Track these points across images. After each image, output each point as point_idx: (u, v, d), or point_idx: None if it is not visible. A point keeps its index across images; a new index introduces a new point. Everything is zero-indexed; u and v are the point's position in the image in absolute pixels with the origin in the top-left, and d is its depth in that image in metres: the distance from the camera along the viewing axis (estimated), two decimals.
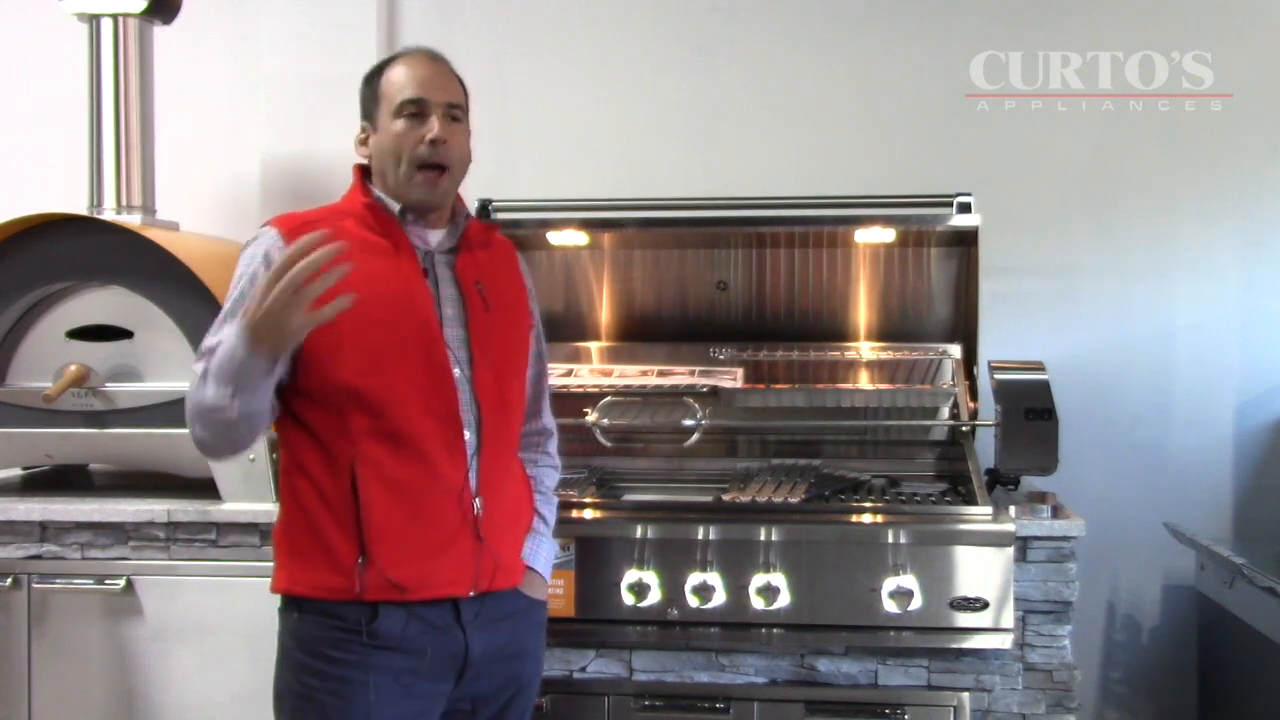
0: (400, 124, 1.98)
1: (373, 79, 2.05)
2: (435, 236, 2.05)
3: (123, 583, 2.77)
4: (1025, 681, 2.61)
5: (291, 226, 1.95)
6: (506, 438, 2.08)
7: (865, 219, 3.04)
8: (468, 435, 1.97)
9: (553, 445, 2.27)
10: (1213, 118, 3.39)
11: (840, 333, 3.22)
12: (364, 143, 2.06)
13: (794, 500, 2.72)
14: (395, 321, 1.93)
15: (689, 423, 2.95)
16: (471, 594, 1.95)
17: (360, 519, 1.88)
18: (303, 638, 1.93)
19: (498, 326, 2.06)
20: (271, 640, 1.98)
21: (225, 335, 1.80)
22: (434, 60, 2.04)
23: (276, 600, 1.98)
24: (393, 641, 1.90)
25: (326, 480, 1.91)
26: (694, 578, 2.57)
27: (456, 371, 1.97)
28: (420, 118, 1.98)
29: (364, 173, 2.07)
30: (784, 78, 3.52)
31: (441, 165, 1.99)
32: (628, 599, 2.59)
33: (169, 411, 2.81)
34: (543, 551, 2.13)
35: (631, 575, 2.59)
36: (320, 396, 1.91)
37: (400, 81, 2.00)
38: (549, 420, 2.27)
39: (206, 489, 2.82)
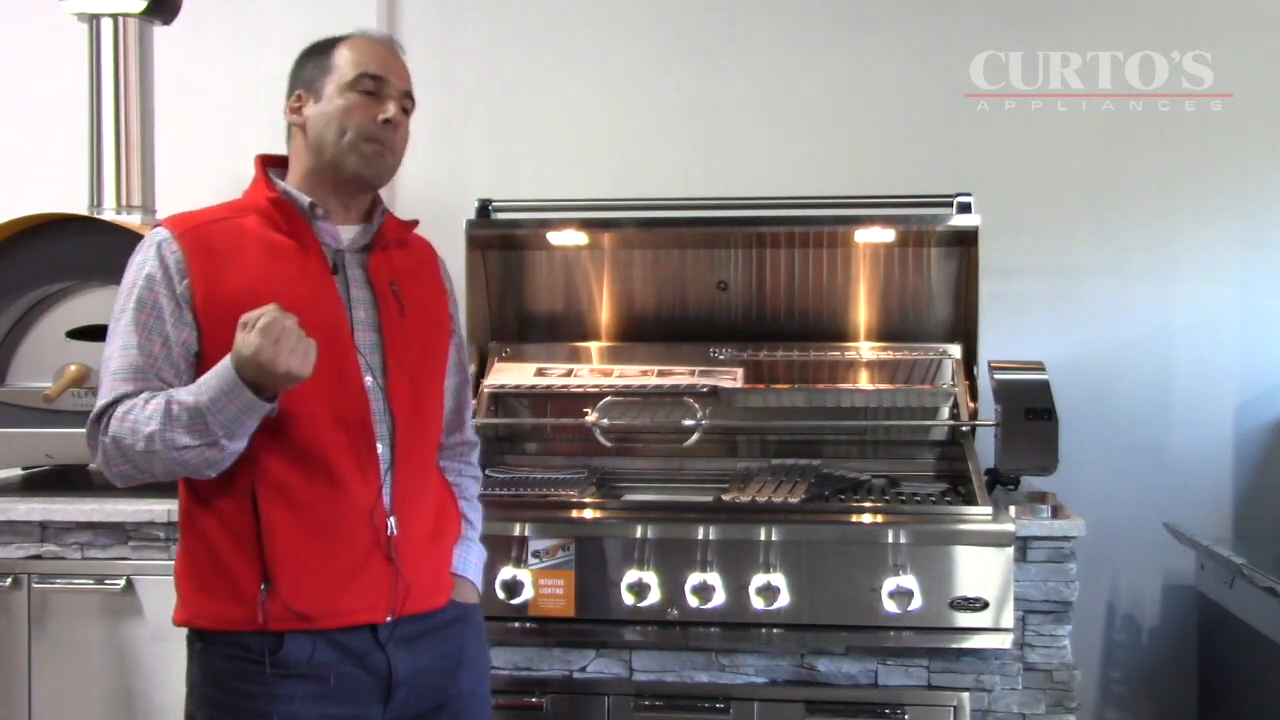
0: (353, 97, 1.86)
1: (323, 51, 1.92)
2: (347, 234, 1.91)
3: (123, 583, 2.77)
4: (1025, 681, 2.61)
5: (185, 227, 1.83)
6: (423, 450, 1.95)
7: (865, 219, 3.04)
8: (380, 449, 1.84)
9: (475, 456, 2.16)
10: (1213, 118, 3.39)
11: (840, 333, 3.22)
12: (297, 110, 1.90)
13: (794, 500, 2.72)
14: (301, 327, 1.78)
15: (689, 423, 2.95)
16: (389, 619, 1.84)
17: (262, 544, 1.76)
18: (208, 671, 1.82)
19: (415, 330, 1.93)
20: None
21: (203, 387, 1.70)
22: (396, 47, 1.96)
23: None
24: (300, 669, 1.78)
25: (225, 503, 1.79)
26: (694, 578, 2.57)
27: (369, 379, 1.85)
28: (377, 97, 1.87)
29: (265, 164, 1.94)
30: (784, 78, 3.52)
31: (387, 146, 1.88)
32: (628, 599, 2.59)
33: None
34: (472, 558, 2.04)
35: (631, 575, 2.59)
36: None
37: (360, 57, 1.89)
38: (471, 433, 2.16)
39: None
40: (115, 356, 1.80)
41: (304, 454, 1.79)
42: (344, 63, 1.89)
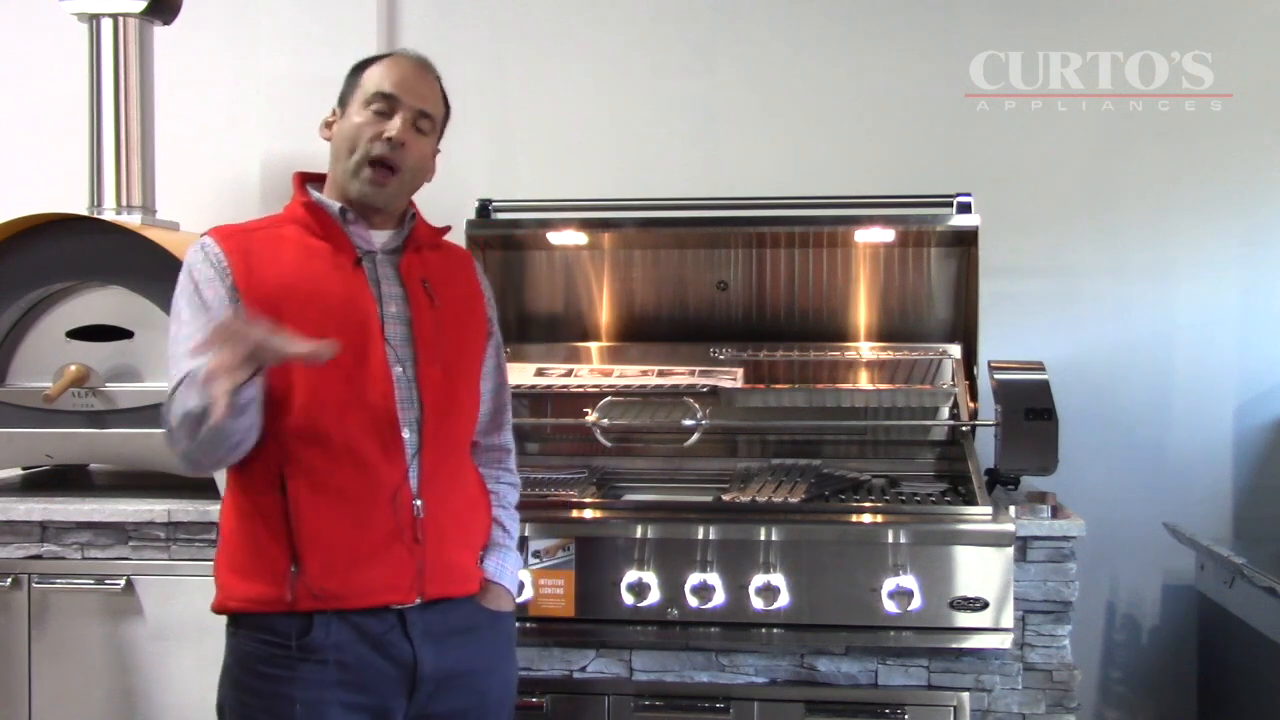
0: (365, 114, 1.93)
1: (359, 69, 2.00)
2: (380, 237, 1.99)
3: (123, 583, 2.77)
4: (1025, 681, 2.61)
5: (225, 234, 1.94)
6: (454, 438, 2.01)
7: (865, 219, 3.04)
8: (407, 434, 1.90)
9: (512, 462, 2.20)
10: (1213, 118, 3.39)
11: (840, 333, 3.22)
12: (329, 125, 2.00)
13: (794, 500, 2.72)
14: (329, 320, 1.86)
15: (689, 423, 2.95)
16: (418, 600, 1.89)
17: (290, 525, 1.84)
18: (239, 654, 1.90)
19: (448, 324, 1.99)
20: None
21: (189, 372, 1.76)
22: (421, 66, 2.01)
23: None
24: (324, 653, 1.84)
25: (258, 488, 1.87)
26: (694, 578, 2.57)
27: (398, 369, 1.91)
28: (386, 115, 1.93)
29: (304, 181, 2.03)
30: (784, 78, 3.52)
31: (392, 166, 1.93)
32: (628, 599, 2.59)
33: None
34: (508, 565, 2.07)
35: (631, 575, 2.59)
36: None
37: (379, 75, 1.96)
38: (508, 438, 2.19)
39: (206, 489, 2.82)
40: (180, 342, 1.86)
41: (328, 437, 1.85)
42: (368, 80, 1.97)
